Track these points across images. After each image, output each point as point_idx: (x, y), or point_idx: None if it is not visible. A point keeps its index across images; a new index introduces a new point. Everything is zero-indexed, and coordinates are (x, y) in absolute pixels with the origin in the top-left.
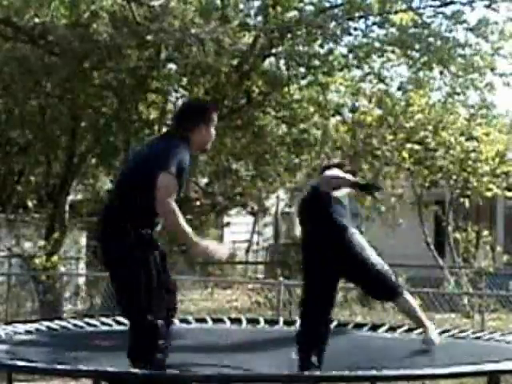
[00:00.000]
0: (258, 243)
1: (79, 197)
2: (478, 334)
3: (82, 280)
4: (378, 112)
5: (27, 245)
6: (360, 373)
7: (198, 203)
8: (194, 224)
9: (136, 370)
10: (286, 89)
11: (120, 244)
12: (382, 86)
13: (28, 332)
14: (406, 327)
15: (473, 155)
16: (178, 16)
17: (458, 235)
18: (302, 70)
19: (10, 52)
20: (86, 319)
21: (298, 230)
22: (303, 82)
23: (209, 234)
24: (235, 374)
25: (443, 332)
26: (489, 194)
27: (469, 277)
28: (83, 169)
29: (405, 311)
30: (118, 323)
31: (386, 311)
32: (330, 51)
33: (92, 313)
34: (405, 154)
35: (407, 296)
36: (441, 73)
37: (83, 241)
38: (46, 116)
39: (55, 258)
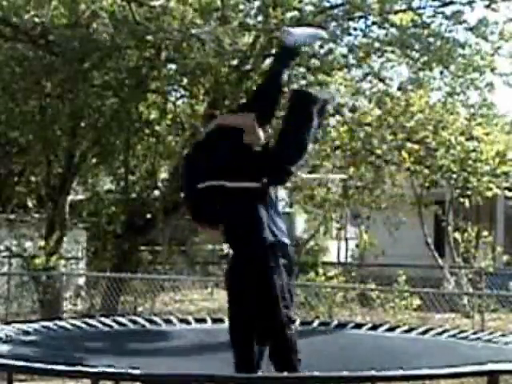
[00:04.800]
0: None
1: (79, 197)
2: (478, 335)
3: (82, 280)
4: (377, 112)
5: (27, 245)
6: (360, 373)
7: None
8: (194, 224)
9: (134, 371)
10: (286, 89)
11: None
12: (381, 86)
13: (28, 332)
14: (405, 327)
15: (473, 155)
16: (177, 16)
17: (457, 235)
18: (302, 69)
19: (10, 52)
20: (86, 319)
21: (298, 230)
22: (303, 82)
23: (209, 234)
24: (236, 374)
25: (443, 332)
26: (489, 193)
27: (469, 277)
28: (83, 169)
29: None
30: (118, 323)
31: (386, 311)
32: (330, 51)
33: (92, 313)
34: (405, 154)
35: None
36: (441, 73)
37: (83, 241)
38: (46, 116)
39: (55, 257)
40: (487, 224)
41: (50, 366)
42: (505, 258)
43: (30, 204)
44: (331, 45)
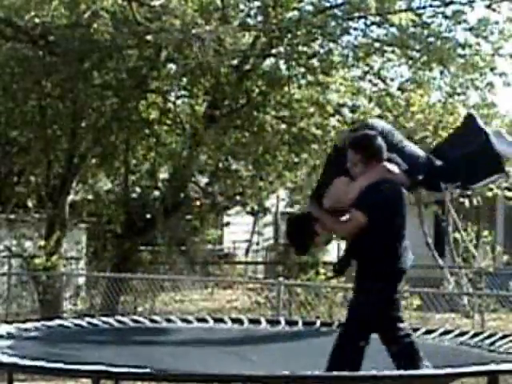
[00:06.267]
0: (258, 243)
1: (79, 197)
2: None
3: (82, 280)
4: (378, 112)
5: (27, 245)
6: (360, 373)
7: (198, 203)
8: (194, 224)
9: (136, 370)
10: (285, 89)
11: None
12: (382, 86)
13: (28, 331)
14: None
15: None
16: (178, 16)
17: (457, 235)
18: (302, 69)
19: (10, 52)
20: (86, 319)
21: None
22: (303, 82)
23: (209, 234)
24: (236, 373)
25: (442, 332)
26: (489, 193)
27: (469, 277)
28: (83, 169)
29: None
30: (118, 322)
31: None
32: (330, 51)
33: (92, 313)
34: None
35: None
36: (441, 73)
37: (83, 241)
38: (46, 116)
39: (55, 257)
40: (487, 224)
41: (50, 365)
42: (505, 257)
43: (30, 204)
44: (331, 45)
